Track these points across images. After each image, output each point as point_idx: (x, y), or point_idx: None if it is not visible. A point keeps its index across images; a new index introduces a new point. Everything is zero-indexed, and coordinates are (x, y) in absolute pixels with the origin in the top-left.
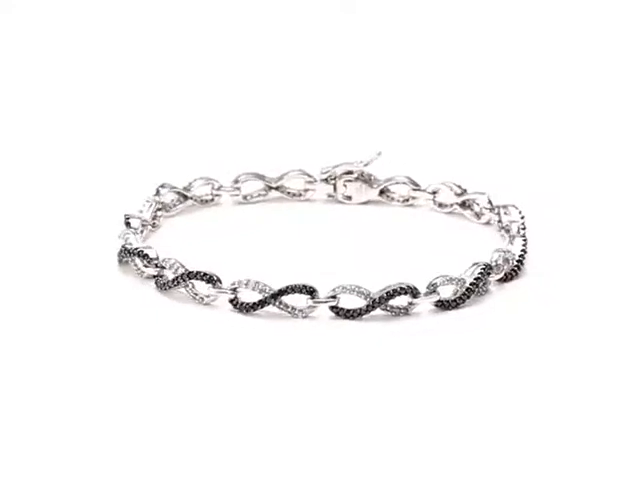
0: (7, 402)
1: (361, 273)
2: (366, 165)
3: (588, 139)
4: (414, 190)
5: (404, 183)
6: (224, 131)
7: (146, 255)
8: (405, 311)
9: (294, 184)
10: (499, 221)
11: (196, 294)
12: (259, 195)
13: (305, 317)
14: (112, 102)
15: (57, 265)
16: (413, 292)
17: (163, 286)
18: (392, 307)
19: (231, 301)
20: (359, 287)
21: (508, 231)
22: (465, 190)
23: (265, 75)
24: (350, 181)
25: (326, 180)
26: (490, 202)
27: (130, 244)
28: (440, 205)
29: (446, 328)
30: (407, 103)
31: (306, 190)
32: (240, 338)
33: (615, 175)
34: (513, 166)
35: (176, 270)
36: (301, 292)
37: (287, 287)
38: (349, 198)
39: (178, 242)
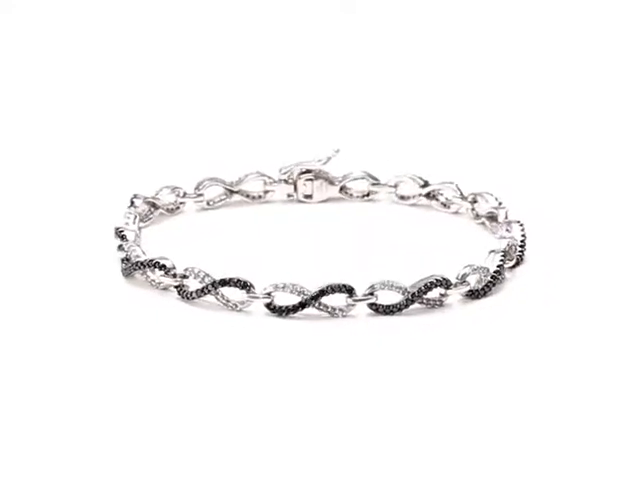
0: (17, 410)
1: (345, 270)
2: (325, 163)
3: (569, 129)
4: (373, 185)
5: (362, 178)
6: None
7: (163, 266)
8: (440, 303)
9: (253, 187)
10: (472, 209)
11: (228, 301)
12: (221, 200)
13: (344, 316)
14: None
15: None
16: (446, 284)
17: (190, 295)
18: (428, 300)
19: (267, 305)
20: (396, 282)
21: (494, 218)
22: (427, 182)
23: (264, 75)
24: (311, 180)
25: (286, 180)
26: (460, 191)
27: (138, 256)
28: (402, 197)
29: (479, 318)
30: (405, 103)
31: (266, 192)
32: (279, 341)
33: (599, 163)
34: (475, 156)
35: (203, 279)
36: (340, 291)
37: (327, 287)
38: (309, 197)
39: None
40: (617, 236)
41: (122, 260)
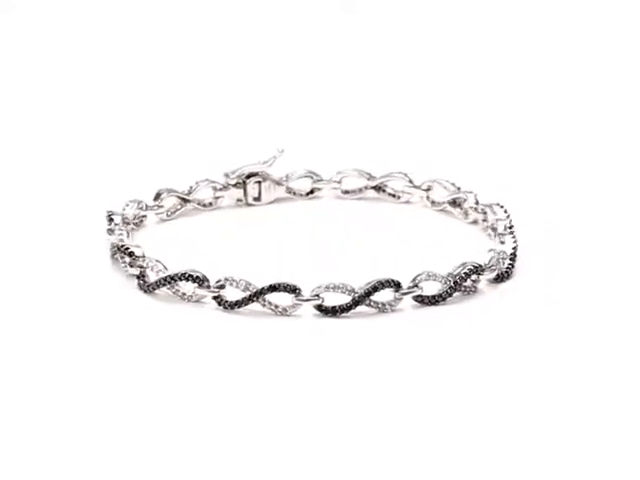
0: None
1: (296, 269)
2: (270, 164)
3: (576, 137)
4: (316, 182)
5: (307, 177)
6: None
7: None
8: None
9: (204, 194)
10: (427, 197)
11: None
12: (176, 210)
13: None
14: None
15: (42, 261)
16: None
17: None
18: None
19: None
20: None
21: (458, 204)
22: (373, 177)
23: (264, 75)
24: (259, 182)
25: (236, 185)
26: (411, 181)
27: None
28: (346, 192)
29: (431, 324)
30: (405, 103)
31: (217, 198)
32: (226, 336)
33: (603, 172)
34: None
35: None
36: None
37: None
38: (258, 199)
39: None
40: (608, 230)
41: (138, 276)
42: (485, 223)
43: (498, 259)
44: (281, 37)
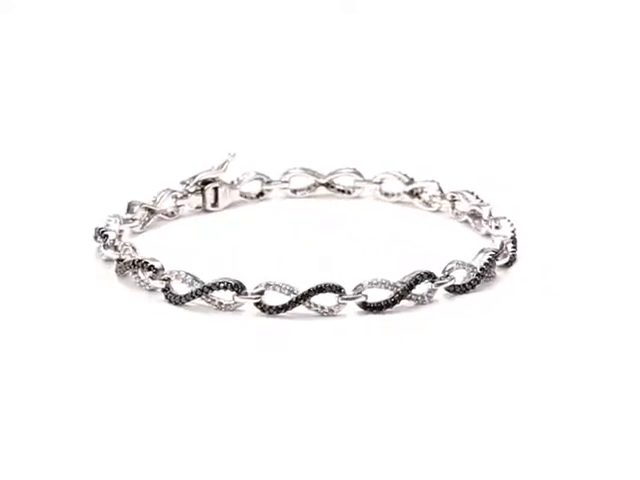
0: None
1: (293, 270)
2: (224, 170)
3: (565, 132)
4: (266, 184)
5: (257, 179)
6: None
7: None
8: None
9: (166, 205)
10: (412, 192)
11: (221, 303)
12: (146, 222)
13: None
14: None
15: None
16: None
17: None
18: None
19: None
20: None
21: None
22: (316, 171)
23: (263, 75)
24: (216, 188)
25: (195, 192)
26: (359, 176)
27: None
28: (295, 192)
29: (463, 313)
30: (404, 103)
31: (178, 206)
32: (265, 340)
33: (596, 168)
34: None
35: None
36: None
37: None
38: (215, 205)
39: None
40: (607, 232)
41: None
42: (454, 210)
43: (505, 243)
44: (281, 37)
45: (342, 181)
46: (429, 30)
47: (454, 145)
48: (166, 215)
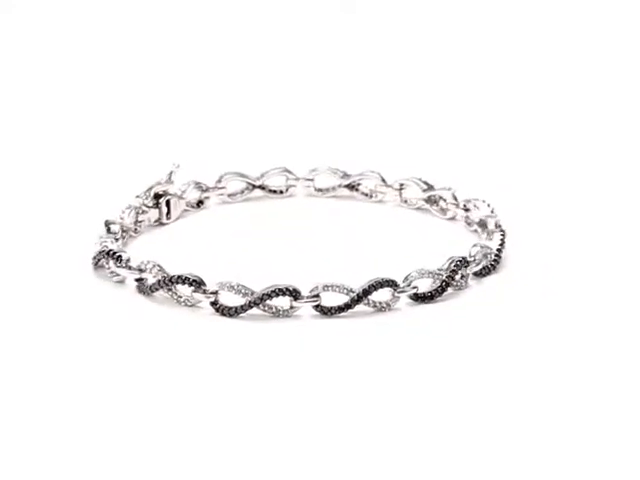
0: None
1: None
2: (172, 181)
3: (559, 135)
4: (204, 192)
5: (196, 188)
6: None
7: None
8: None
9: (127, 220)
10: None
11: (180, 297)
12: (124, 236)
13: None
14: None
15: (31, 268)
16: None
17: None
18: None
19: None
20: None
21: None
22: (250, 177)
23: (262, 75)
24: (168, 200)
25: (152, 206)
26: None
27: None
28: (230, 195)
29: (426, 322)
30: (404, 103)
31: (138, 222)
32: (222, 340)
33: (588, 168)
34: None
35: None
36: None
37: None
38: (168, 216)
39: None
40: (600, 243)
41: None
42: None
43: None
44: (280, 37)
45: (274, 182)
46: (429, 30)
47: (466, 148)
48: (129, 230)
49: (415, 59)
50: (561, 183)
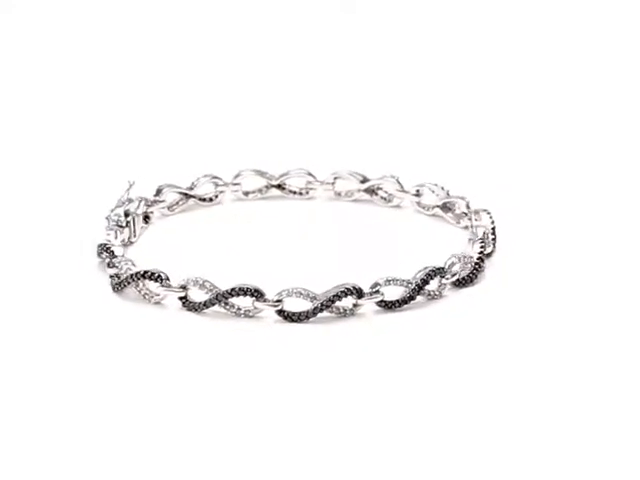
0: None
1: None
2: (129, 200)
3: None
4: (151, 205)
5: (140, 201)
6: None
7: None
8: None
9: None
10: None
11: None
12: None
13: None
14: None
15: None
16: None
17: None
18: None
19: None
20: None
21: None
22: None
23: (262, 75)
24: (133, 218)
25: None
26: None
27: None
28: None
29: (393, 329)
30: (404, 103)
31: (129, 241)
32: (189, 337)
33: (582, 181)
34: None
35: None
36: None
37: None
38: (134, 234)
39: None
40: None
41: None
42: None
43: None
44: (280, 37)
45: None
46: (429, 30)
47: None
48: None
49: (415, 59)
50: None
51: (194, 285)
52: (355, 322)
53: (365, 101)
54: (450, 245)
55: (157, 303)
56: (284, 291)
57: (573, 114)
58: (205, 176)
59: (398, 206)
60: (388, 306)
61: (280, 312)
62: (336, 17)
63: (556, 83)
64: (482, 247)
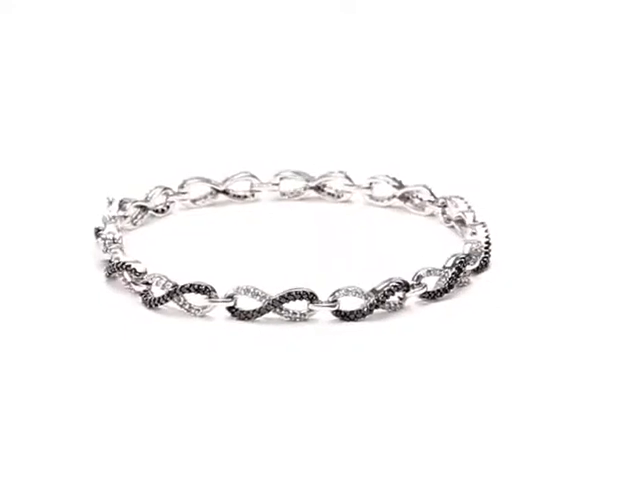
0: None
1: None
2: (113, 218)
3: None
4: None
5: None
6: None
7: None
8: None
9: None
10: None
11: (191, 307)
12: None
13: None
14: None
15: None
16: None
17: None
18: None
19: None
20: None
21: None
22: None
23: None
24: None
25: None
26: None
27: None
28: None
29: (436, 320)
30: (403, 103)
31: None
32: (239, 346)
33: (566, 162)
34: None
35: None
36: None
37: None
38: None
39: None
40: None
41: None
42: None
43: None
44: (280, 37)
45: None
46: (429, 30)
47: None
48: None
49: (415, 59)
50: (537, 178)
51: (245, 294)
52: (402, 317)
53: (365, 101)
54: (422, 234)
55: (202, 316)
56: (338, 291)
57: (570, 117)
58: (157, 187)
59: (348, 201)
60: (431, 297)
61: (337, 312)
62: (336, 17)
63: (552, 88)
64: (487, 232)
